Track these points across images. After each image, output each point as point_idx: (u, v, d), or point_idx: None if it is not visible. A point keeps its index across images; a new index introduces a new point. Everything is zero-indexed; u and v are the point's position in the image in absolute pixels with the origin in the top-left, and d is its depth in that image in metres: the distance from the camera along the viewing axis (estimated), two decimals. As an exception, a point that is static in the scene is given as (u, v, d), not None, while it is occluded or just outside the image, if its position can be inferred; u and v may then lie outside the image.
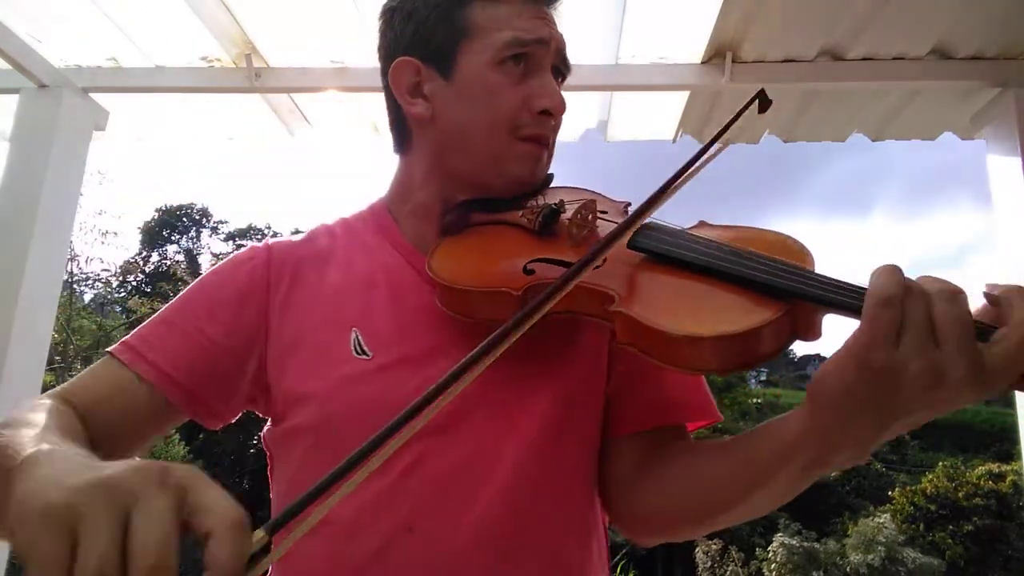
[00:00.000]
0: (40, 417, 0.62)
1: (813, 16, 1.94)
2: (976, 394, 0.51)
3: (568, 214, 0.78)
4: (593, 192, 0.88)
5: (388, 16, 0.85)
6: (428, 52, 0.81)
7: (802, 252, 0.67)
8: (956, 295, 0.52)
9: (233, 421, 0.84)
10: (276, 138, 2.56)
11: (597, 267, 0.70)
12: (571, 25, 2.19)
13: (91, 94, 2.21)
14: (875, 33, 1.98)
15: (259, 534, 0.42)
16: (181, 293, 0.84)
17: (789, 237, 0.69)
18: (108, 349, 0.79)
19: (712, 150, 0.76)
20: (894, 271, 0.54)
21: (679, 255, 0.69)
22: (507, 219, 0.82)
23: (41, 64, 2.09)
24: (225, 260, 0.87)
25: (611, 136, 2.54)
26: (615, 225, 0.76)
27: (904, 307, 0.52)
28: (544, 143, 0.82)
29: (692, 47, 2.08)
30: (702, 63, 2.11)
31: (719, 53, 2.07)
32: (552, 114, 0.81)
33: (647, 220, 0.73)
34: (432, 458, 0.73)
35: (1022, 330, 0.50)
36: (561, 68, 0.85)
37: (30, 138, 2.07)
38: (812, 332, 0.62)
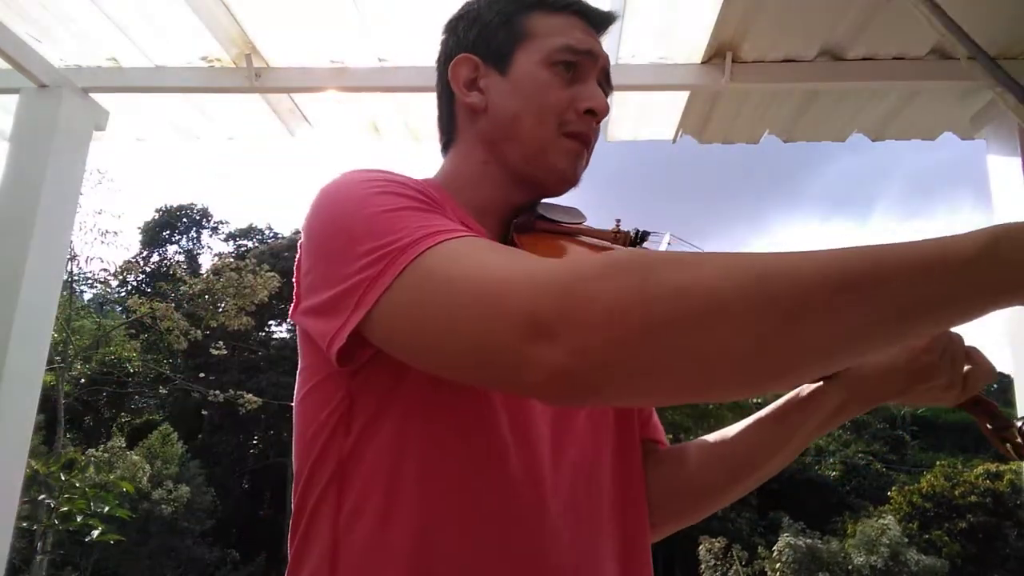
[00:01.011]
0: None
1: (813, 16, 1.94)
2: (952, 400, 0.78)
3: (658, 239, 0.88)
4: (580, 212, 0.92)
5: (453, 24, 0.93)
6: (488, 52, 0.88)
7: None
8: (961, 338, 0.78)
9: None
10: (276, 138, 2.56)
11: None
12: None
13: (91, 94, 2.21)
14: (875, 33, 1.98)
15: None
16: (380, 211, 0.66)
17: None
18: (441, 240, 0.61)
19: None
20: None
21: None
22: (583, 232, 0.86)
23: (41, 64, 2.09)
24: (362, 181, 0.71)
25: (611, 136, 2.54)
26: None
27: (951, 335, 0.76)
28: (586, 142, 0.87)
29: (692, 47, 2.08)
30: (702, 63, 2.11)
31: (719, 53, 2.07)
32: (596, 114, 0.85)
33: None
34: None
35: (988, 365, 0.78)
36: (604, 86, 0.90)
37: (30, 138, 2.07)
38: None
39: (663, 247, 0.85)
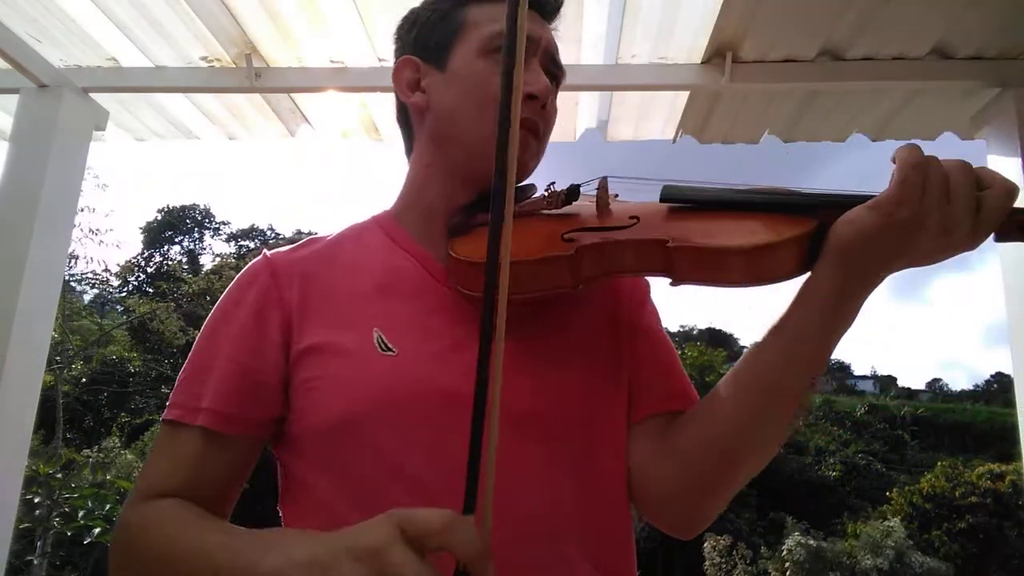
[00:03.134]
0: (200, 528, 0.69)
1: (813, 16, 1.94)
2: (969, 241, 0.63)
3: (588, 190, 0.82)
4: (529, 187, 0.88)
5: (398, 29, 0.93)
6: (427, 50, 0.87)
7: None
8: (964, 164, 0.64)
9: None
10: (276, 138, 2.56)
11: (632, 226, 0.74)
12: (571, 25, 2.18)
13: (91, 94, 2.21)
14: (875, 33, 1.98)
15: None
16: (200, 335, 0.83)
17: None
18: (163, 417, 0.79)
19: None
20: (916, 146, 0.64)
21: (709, 197, 0.75)
22: (516, 211, 0.82)
23: (41, 64, 2.09)
24: (229, 289, 0.85)
25: (611, 136, 2.54)
26: (628, 201, 0.82)
27: (927, 171, 0.62)
28: (532, 128, 0.84)
29: (692, 47, 2.08)
30: (702, 63, 2.10)
31: (719, 53, 2.07)
32: (537, 98, 0.82)
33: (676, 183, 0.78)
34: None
35: (1003, 184, 0.63)
36: (552, 69, 0.88)
37: (30, 138, 2.07)
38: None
39: (592, 191, 0.81)
